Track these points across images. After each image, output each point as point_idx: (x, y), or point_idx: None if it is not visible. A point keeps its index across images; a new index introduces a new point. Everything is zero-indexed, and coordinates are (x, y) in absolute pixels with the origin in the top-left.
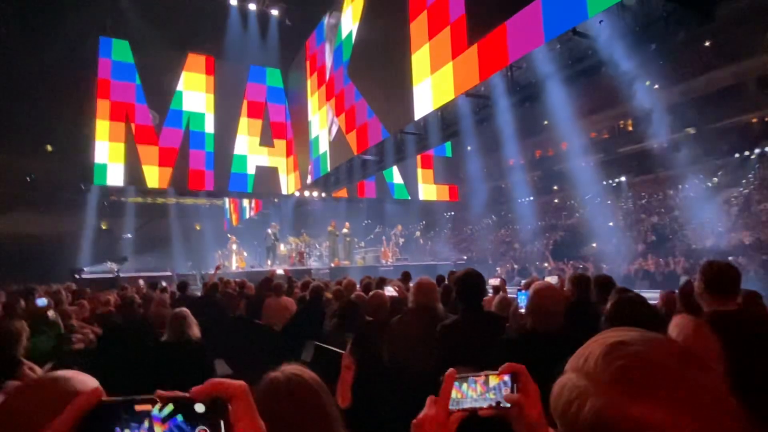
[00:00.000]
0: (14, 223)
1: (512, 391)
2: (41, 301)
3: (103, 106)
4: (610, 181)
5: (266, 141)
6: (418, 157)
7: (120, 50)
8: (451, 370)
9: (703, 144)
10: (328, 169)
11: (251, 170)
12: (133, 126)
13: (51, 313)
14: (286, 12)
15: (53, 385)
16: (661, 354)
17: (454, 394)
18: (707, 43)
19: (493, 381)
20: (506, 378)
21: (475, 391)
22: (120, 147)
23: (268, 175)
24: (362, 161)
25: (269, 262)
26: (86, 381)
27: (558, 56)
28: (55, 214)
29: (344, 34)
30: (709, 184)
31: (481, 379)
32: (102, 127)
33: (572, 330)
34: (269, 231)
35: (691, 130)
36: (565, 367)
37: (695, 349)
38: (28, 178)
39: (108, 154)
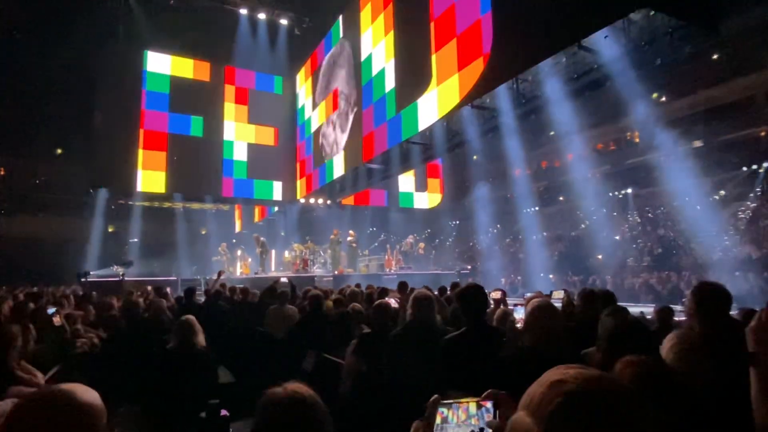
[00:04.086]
0: (22, 225)
1: (494, 417)
2: (51, 310)
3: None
4: (617, 193)
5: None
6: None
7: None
8: (435, 396)
9: (711, 157)
10: (334, 177)
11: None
12: (142, 132)
13: (56, 319)
14: (296, 21)
15: (53, 399)
16: (596, 391)
17: (438, 419)
18: (715, 56)
19: (477, 407)
20: (489, 405)
21: (459, 418)
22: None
23: (272, 181)
24: (367, 170)
25: (261, 269)
26: (87, 394)
27: (563, 70)
28: (63, 217)
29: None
30: (716, 198)
31: (464, 405)
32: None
33: (574, 348)
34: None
35: (699, 143)
36: (519, 404)
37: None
38: (36, 181)
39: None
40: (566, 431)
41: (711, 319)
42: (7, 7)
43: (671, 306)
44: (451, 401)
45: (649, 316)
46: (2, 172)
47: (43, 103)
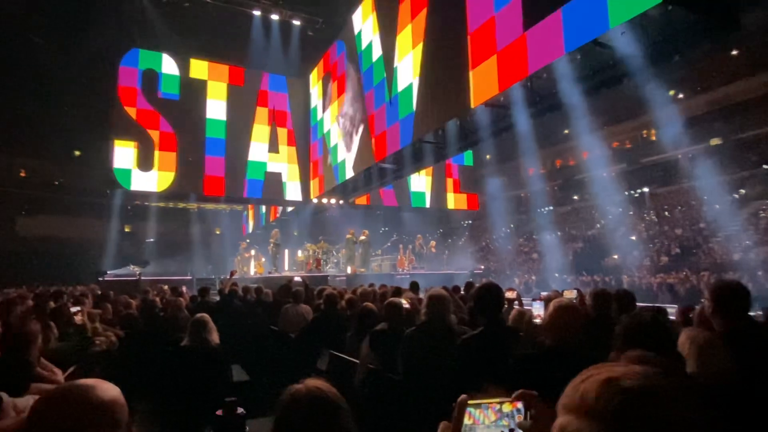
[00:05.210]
0: (41, 225)
1: (525, 417)
2: (75, 309)
3: (127, 112)
4: (633, 192)
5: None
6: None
7: (147, 60)
8: (463, 396)
9: (730, 155)
10: (346, 177)
11: (269, 177)
12: (157, 133)
13: (78, 317)
14: (309, 22)
15: (75, 395)
16: (657, 387)
17: (466, 420)
18: (735, 52)
19: (507, 408)
20: (519, 405)
21: (488, 418)
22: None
23: (285, 181)
24: (380, 169)
25: (275, 268)
26: (108, 390)
27: (579, 67)
28: (81, 217)
29: (364, 43)
30: (736, 196)
31: (494, 405)
32: (125, 133)
33: (592, 348)
34: (271, 240)
35: (717, 141)
36: (559, 406)
37: (705, 364)
38: (55, 183)
39: (134, 160)
40: (634, 428)
41: (731, 318)
42: (27, 13)
43: (694, 306)
44: (480, 401)
45: (672, 317)
46: (23, 174)
47: (60, 106)
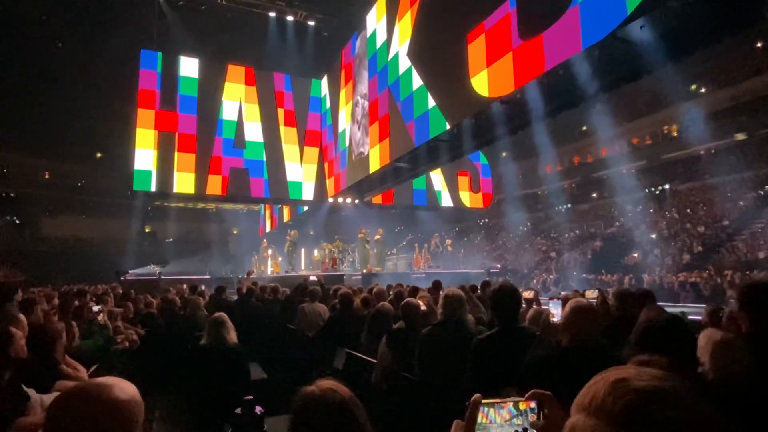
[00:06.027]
0: (65, 226)
1: (539, 417)
2: (96, 308)
3: (147, 115)
4: (653, 189)
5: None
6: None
7: (165, 63)
8: (476, 395)
9: (755, 150)
10: (362, 176)
11: (289, 177)
12: (176, 135)
13: (101, 317)
14: (323, 23)
15: (93, 393)
16: (666, 387)
17: (480, 419)
18: (759, 44)
19: (520, 407)
20: (533, 404)
21: (502, 417)
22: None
23: (301, 181)
24: (395, 168)
25: (291, 267)
26: (126, 389)
27: (597, 62)
28: (103, 218)
29: (379, 42)
30: (761, 192)
31: (507, 405)
32: (146, 135)
33: (612, 348)
34: (287, 238)
35: (742, 136)
36: (572, 407)
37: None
38: (78, 184)
39: (153, 162)
40: (642, 426)
41: (760, 319)
42: (48, 19)
43: (723, 307)
44: (493, 401)
45: (698, 317)
46: (46, 176)
47: (82, 110)
